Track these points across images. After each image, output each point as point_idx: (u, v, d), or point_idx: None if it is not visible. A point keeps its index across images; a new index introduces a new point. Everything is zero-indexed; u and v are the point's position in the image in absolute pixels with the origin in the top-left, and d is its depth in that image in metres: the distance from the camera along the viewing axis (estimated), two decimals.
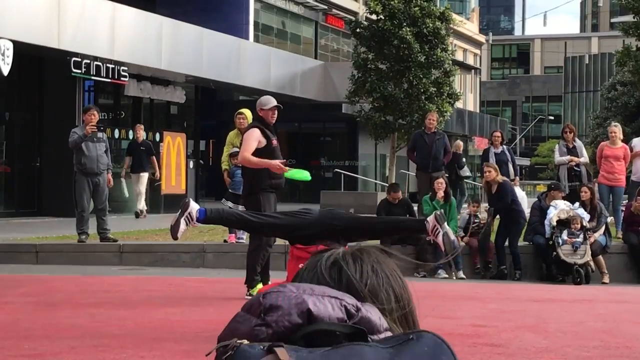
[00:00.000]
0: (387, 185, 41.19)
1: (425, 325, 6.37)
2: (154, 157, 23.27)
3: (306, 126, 39.91)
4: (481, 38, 67.77)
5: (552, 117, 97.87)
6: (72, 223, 16.33)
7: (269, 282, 10.89)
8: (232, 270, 14.45)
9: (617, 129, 17.23)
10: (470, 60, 62.77)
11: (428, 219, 7.72)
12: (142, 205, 23.42)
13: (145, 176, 23.11)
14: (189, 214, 7.82)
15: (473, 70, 61.33)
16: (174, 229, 7.82)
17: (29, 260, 14.95)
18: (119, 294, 10.89)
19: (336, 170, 35.48)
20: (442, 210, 15.07)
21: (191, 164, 28.76)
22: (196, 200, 29.31)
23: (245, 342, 1.54)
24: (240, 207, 14.92)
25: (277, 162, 9.52)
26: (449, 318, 9.32)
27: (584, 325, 9.07)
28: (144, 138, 23.41)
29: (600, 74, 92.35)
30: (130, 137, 25.75)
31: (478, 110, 61.15)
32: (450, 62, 27.19)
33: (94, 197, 15.43)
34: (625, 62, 31.03)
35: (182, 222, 7.80)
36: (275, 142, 9.83)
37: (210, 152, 38.81)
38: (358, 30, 27.58)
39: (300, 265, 6.44)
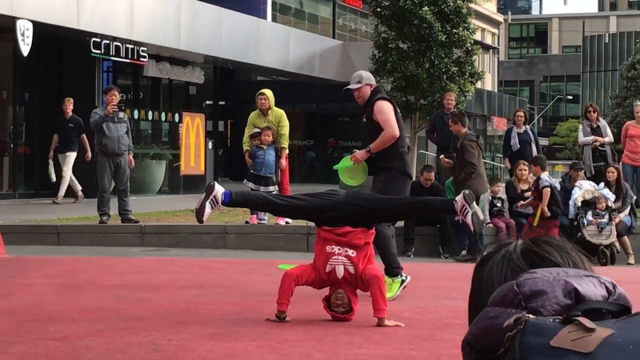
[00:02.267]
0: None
1: (455, 306, 6.30)
2: (84, 136, 20.22)
3: (324, 106, 39.78)
4: (499, 17, 67.42)
5: (570, 97, 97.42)
6: (92, 204, 16.30)
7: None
8: (255, 252, 14.41)
9: None
10: (488, 40, 62.49)
11: (457, 198, 7.61)
12: (62, 191, 20.67)
13: (71, 156, 20.57)
14: (214, 197, 7.71)
15: (491, 50, 61.01)
16: (199, 213, 7.71)
17: (50, 242, 14.91)
18: (142, 275, 10.82)
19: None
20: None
21: (210, 145, 28.69)
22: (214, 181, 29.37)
23: (531, 316, 1.48)
24: (262, 189, 14.92)
25: None
26: None
27: None
28: (73, 114, 20.65)
29: (619, 53, 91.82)
30: (150, 117, 25.71)
31: (496, 90, 60.86)
32: (472, 41, 26.98)
33: (116, 178, 15.37)
34: None
35: (207, 205, 7.69)
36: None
37: (228, 132, 38.75)
38: (378, 9, 27.37)
39: (327, 247, 6.31)
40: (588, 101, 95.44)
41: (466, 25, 26.43)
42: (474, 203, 7.52)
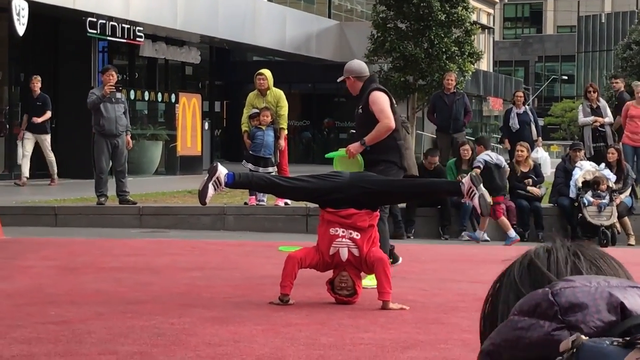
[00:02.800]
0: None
1: (459, 289, 6.20)
2: (48, 112, 19.66)
3: (320, 87, 39.60)
4: None
5: (565, 77, 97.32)
6: (89, 185, 16.19)
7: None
8: (253, 233, 14.32)
9: None
10: (483, 20, 62.25)
11: (463, 180, 7.51)
12: (55, 172, 20.07)
13: (47, 139, 19.82)
14: (217, 178, 7.59)
15: (487, 30, 60.82)
16: (202, 194, 7.59)
17: (48, 223, 14.79)
18: (142, 257, 10.73)
19: (351, 131, 35.16)
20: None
21: (206, 125, 28.54)
22: (211, 162, 29.24)
23: (583, 337, 1.29)
24: (261, 170, 14.81)
25: None
26: (481, 282, 9.09)
27: None
28: (41, 91, 19.95)
29: (613, 33, 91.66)
30: (147, 98, 25.56)
31: (492, 71, 60.71)
32: (471, 20, 26.85)
33: (113, 159, 15.25)
34: None
35: (210, 186, 7.58)
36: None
37: (224, 113, 38.58)
38: None
39: (331, 230, 6.21)
40: (583, 81, 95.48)
41: (465, 4, 26.29)
42: (481, 185, 7.42)
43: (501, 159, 14.91)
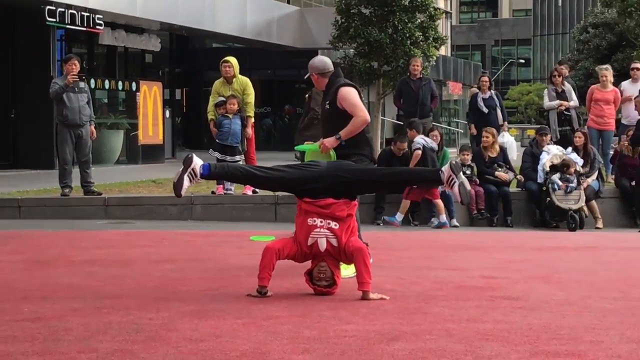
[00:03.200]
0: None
1: (436, 277, 6.15)
2: None
3: (281, 73, 39.46)
4: None
5: (522, 60, 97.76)
6: (50, 175, 15.96)
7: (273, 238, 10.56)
8: (221, 223, 14.19)
9: (608, 73, 16.96)
10: (441, 4, 62.31)
11: (443, 168, 7.41)
12: None
13: None
14: (193, 169, 7.44)
15: (445, 15, 60.87)
16: (177, 186, 7.42)
17: (11, 215, 14.56)
18: (112, 250, 10.56)
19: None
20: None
21: (167, 113, 28.29)
22: (173, 150, 29.01)
23: None
24: (229, 158, 14.66)
25: None
26: (457, 269, 9.08)
27: (596, 275, 8.86)
28: None
29: (569, 16, 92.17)
30: (107, 86, 25.28)
31: (449, 55, 60.81)
32: (435, 5, 26.74)
33: (77, 149, 15.02)
34: (611, 2, 30.78)
35: (186, 178, 7.42)
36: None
37: (183, 100, 38.30)
38: None
39: (309, 220, 6.11)
40: (539, 65, 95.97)
41: None
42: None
43: (433, 143, 14.95)
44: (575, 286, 8.10)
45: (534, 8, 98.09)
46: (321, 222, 7.43)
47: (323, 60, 9.04)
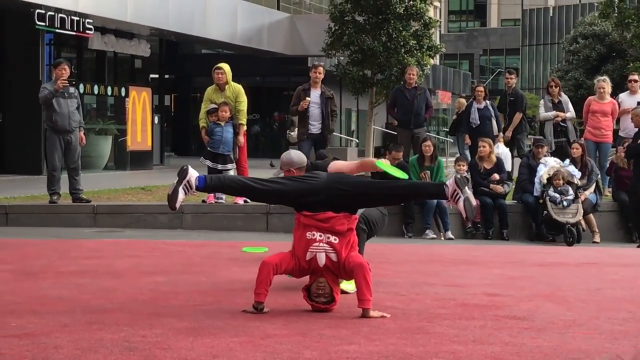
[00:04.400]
0: (352, 139, 40.77)
1: (437, 294, 5.82)
2: None
3: (270, 80, 39.22)
4: None
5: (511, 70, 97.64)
6: (38, 181, 15.66)
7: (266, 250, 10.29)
8: (212, 232, 13.93)
9: (605, 84, 16.75)
10: (430, 13, 62.24)
11: (447, 182, 7.15)
12: None
13: None
14: (188, 182, 7.17)
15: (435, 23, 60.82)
16: (172, 199, 7.15)
17: None
18: (101, 260, 10.28)
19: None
20: (429, 172, 14.62)
21: (156, 120, 28.01)
22: (161, 157, 28.70)
23: None
24: (220, 167, 14.39)
25: None
26: (457, 286, 8.83)
27: (603, 294, 8.61)
28: None
29: (558, 26, 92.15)
30: (96, 91, 25.00)
31: (438, 64, 60.66)
32: (429, 14, 26.54)
33: (66, 155, 14.73)
34: (608, 13, 30.65)
35: (181, 190, 7.15)
36: None
37: (172, 107, 38.03)
38: None
39: (308, 234, 5.77)
40: (527, 74, 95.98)
41: None
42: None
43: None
44: (581, 305, 7.85)
45: (523, 18, 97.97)
46: (320, 236, 7.17)
47: (297, 155, 8.09)
